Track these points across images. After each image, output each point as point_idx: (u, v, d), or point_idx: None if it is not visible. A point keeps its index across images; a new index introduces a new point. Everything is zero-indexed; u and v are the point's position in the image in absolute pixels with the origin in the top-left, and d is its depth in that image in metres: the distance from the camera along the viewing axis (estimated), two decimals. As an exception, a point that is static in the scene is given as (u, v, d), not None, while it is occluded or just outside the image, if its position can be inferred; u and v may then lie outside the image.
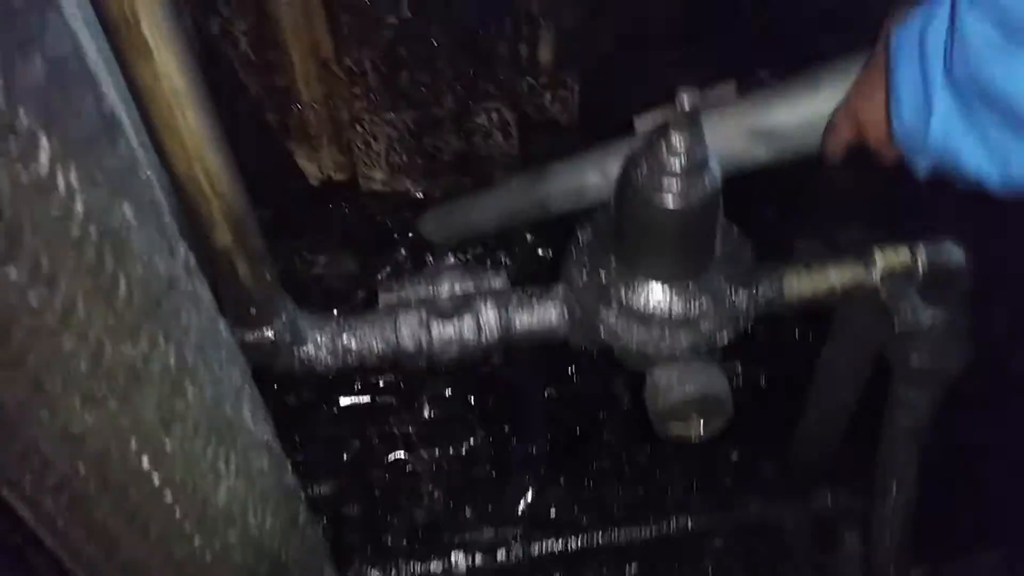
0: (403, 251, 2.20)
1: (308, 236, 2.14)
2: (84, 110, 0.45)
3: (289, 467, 0.76)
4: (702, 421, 0.97)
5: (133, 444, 0.56)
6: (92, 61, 0.48)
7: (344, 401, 1.91)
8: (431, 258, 2.13)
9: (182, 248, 0.57)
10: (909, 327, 1.07)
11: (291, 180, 2.11)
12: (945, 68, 0.79)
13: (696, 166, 0.85)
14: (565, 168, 1.46)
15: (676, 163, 0.84)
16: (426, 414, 1.93)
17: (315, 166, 2.14)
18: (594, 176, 1.33)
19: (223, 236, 0.81)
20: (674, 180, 0.84)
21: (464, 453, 1.87)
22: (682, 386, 0.94)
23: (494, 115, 2.11)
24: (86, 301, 0.48)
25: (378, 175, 2.19)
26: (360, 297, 2.09)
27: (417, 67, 1.97)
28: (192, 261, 0.58)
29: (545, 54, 2.02)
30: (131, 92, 0.70)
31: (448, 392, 1.94)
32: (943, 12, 0.80)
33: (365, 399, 1.92)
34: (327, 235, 2.16)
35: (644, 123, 0.80)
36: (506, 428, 1.90)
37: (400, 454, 1.85)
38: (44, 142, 0.42)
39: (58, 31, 0.43)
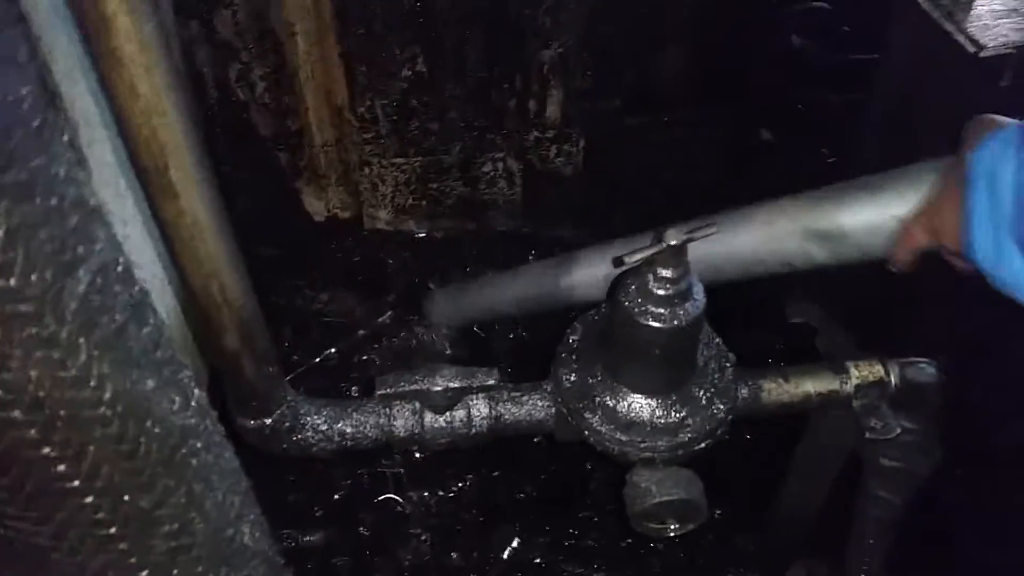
0: (402, 288, 2.24)
1: (311, 272, 2.19)
2: (119, 304, 0.50)
3: (284, 570, 0.81)
4: (677, 523, 1.03)
5: (143, 574, 0.61)
6: (131, 250, 0.53)
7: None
8: (428, 296, 2.11)
9: (196, 394, 0.62)
10: (878, 435, 1.12)
11: (296, 218, 2.16)
12: (1012, 222, 0.82)
13: (680, 294, 0.90)
14: (591, 257, 1.40)
15: (661, 292, 0.89)
16: (415, 456, 1.97)
17: (322, 204, 2.20)
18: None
19: (232, 341, 0.86)
20: (658, 307, 0.90)
21: (452, 497, 1.92)
22: (659, 492, 0.99)
23: (500, 164, 2.16)
24: (109, 465, 0.53)
25: (383, 215, 2.24)
26: (360, 335, 2.14)
27: (428, 117, 2.03)
28: (204, 402, 0.64)
29: (553, 110, 2.08)
30: (155, 220, 0.75)
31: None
32: (1011, 155, 0.83)
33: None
34: (330, 271, 2.21)
35: (633, 259, 0.85)
36: (495, 474, 1.95)
37: (388, 495, 1.90)
38: (83, 345, 0.48)
39: (103, 241, 0.48)
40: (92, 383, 0.49)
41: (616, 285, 0.94)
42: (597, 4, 1.92)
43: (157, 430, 0.56)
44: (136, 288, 0.53)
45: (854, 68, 2.04)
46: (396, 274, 2.24)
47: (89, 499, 0.54)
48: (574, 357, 1.05)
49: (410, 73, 1.93)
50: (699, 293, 0.93)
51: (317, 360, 2.03)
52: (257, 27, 1.80)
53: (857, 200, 1.10)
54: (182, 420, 0.59)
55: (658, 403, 1.00)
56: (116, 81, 0.64)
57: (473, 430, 1.04)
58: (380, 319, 2.12)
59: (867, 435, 1.13)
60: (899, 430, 1.14)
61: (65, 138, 0.46)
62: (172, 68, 0.65)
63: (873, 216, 1.08)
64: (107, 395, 0.50)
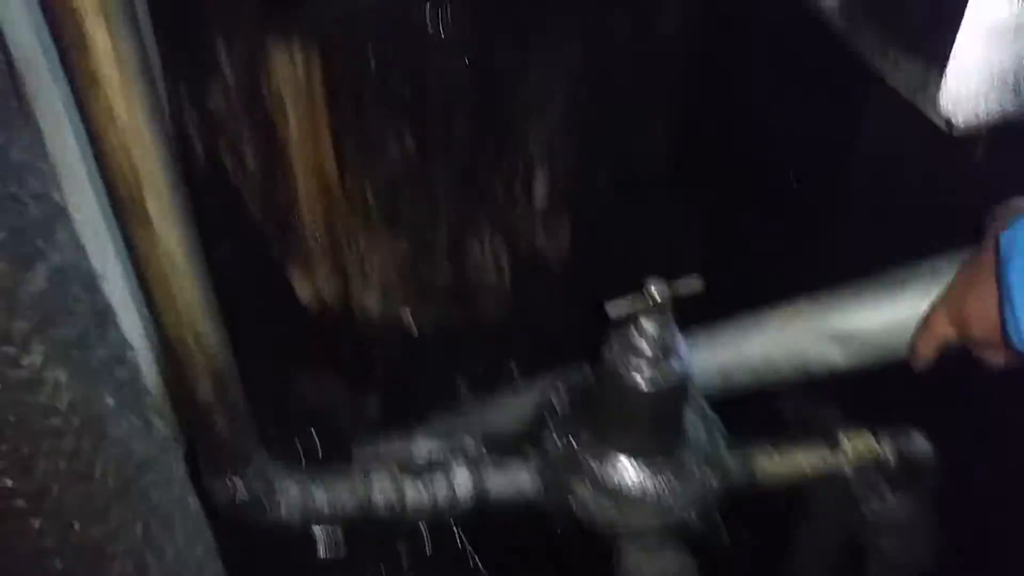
0: (388, 375, 2.21)
1: (295, 355, 2.15)
2: (79, 310, 0.48)
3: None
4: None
5: (90, 619, 0.56)
6: (93, 254, 0.50)
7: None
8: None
9: (158, 425, 0.59)
10: (878, 516, 1.08)
11: (283, 298, 2.14)
12: None
13: (665, 351, 0.88)
14: None
15: (645, 348, 0.87)
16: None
17: (308, 284, 2.18)
18: None
19: (205, 392, 0.82)
20: (643, 363, 0.87)
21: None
22: (651, 572, 0.95)
23: (487, 247, 2.16)
24: (60, 484, 0.50)
25: (369, 296, 2.22)
26: (343, 419, 2.09)
27: (415, 198, 2.03)
28: (167, 436, 0.60)
29: (540, 193, 2.10)
30: (129, 254, 0.73)
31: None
32: None
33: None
34: (314, 355, 2.17)
35: (616, 309, 0.83)
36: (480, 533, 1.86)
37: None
38: (38, 345, 0.45)
39: (65, 240, 0.46)
40: (47, 388, 0.46)
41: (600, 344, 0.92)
42: (582, 85, 1.96)
43: (114, 452, 0.52)
44: (99, 296, 0.50)
45: (830, 150, 2.08)
46: (382, 358, 2.20)
47: (36, 522, 0.49)
48: (559, 423, 1.02)
49: (398, 153, 1.95)
50: (685, 351, 0.91)
51: (297, 442, 1.97)
52: (247, 98, 1.82)
53: (877, 298, 1.07)
54: (142, 447, 0.56)
55: (647, 470, 0.96)
56: (93, 104, 0.63)
57: (454, 499, 1.00)
58: (364, 402, 2.07)
59: (867, 515, 1.09)
60: (899, 511, 1.10)
61: (28, 126, 0.44)
62: (151, 93, 0.65)
63: (896, 314, 1.03)
64: (63, 405, 0.47)
